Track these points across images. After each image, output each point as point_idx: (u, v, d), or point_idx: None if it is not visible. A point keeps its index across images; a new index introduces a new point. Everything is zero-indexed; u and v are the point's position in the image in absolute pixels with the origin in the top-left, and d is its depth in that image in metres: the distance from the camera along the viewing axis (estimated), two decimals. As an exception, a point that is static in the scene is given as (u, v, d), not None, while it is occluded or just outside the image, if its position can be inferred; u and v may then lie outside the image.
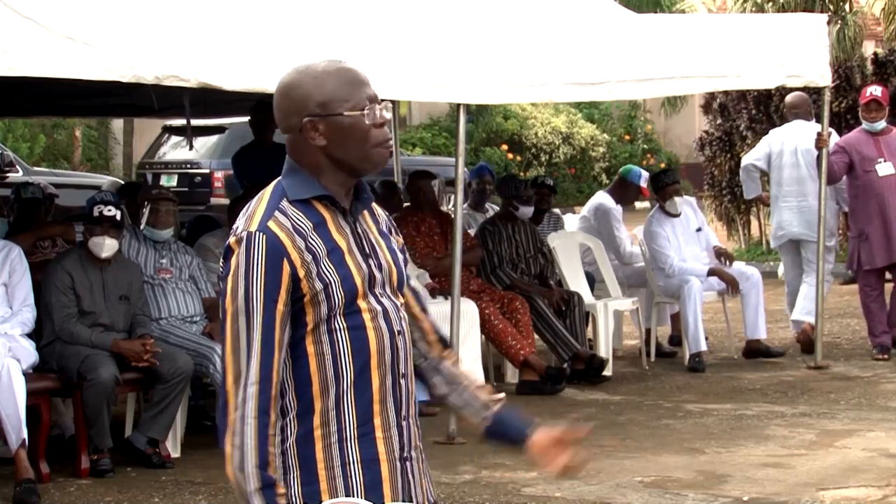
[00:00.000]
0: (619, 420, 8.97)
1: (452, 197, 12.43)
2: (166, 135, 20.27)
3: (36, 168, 20.04)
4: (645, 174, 12.33)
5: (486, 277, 10.43)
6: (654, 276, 11.16)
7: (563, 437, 3.23)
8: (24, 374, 7.42)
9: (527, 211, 10.71)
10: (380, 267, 3.11)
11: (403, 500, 3.09)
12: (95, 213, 7.88)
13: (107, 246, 7.90)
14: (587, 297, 10.75)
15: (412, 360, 3.17)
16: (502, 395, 3.39)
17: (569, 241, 11.27)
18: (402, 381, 3.11)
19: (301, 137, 3.07)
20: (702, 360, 10.69)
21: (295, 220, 3.03)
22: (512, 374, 10.23)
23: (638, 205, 25.79)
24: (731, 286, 10.98)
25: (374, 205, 3.24)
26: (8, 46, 6.71)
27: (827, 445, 8.04)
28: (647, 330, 11.15)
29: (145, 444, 7.87)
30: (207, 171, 19.33)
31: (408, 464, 3.12)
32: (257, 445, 2.95)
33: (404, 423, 3.11)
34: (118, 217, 7.93)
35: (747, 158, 11.91)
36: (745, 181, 11.96)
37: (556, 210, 12.61)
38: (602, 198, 11.99)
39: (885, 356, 10.74)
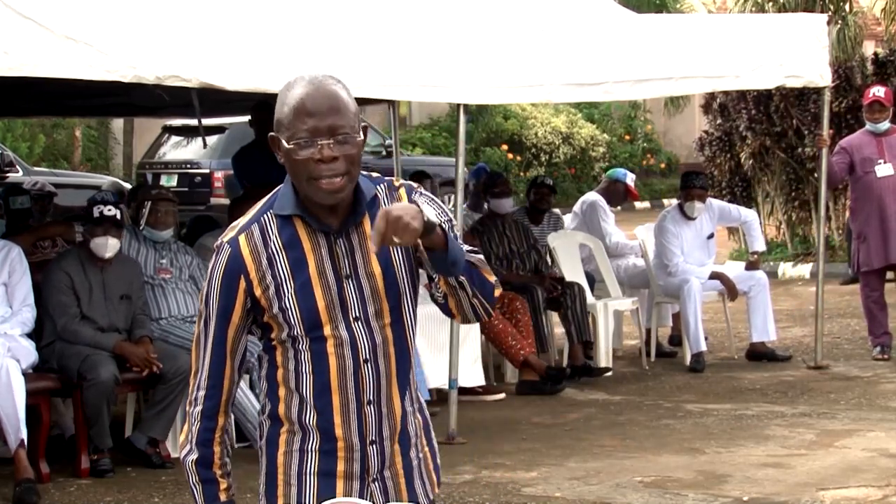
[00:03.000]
0: (619, 420, 8.97)
1: (451, 197, 12.44)
2: (166, 135, 20.28)
3: (36, 168, 20.04)
4: (631, 174, 12.34)
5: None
6: (654, 276, 11.16)
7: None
8: (24, 374, 7.42)
9: (500, 204, 10.67)
10: (360, 289, 3.07)
11: None
12: (96, 214, 7.88)
13: (109, 246, 7.90)
14: (587, 296, 10.74)
15: (390, 386, 3.11)
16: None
17: (569, 241, 11.27)
18: (368, 409, 3.09)
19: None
20: (702, 360, 10.69)
21: (269, 235, 3.06)
22: (512, 374, 10.23)
23: (638, 205, 25.92)
24: (730, 292, 10.96)
25: (401, 192, 3.14)
26: (8, 47, 6.71)
27: (827, 445, 8.04)
28: (647, 330, 11.15)
29: (145, 444, 7.87)
30: (207, 171, 19.34)
31: (376, 484, 3.14)
32: (198, 444, 3.13)
33: (371, 448, 3.12)
34: (118, 217, 7.94)
35: None
36: None
37: (556, 210, 12.61)
38: (591, 196, 12.04)
39: (886, 356, 10.74)
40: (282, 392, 3.11)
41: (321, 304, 3.04)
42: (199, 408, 3.13)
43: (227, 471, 3.17)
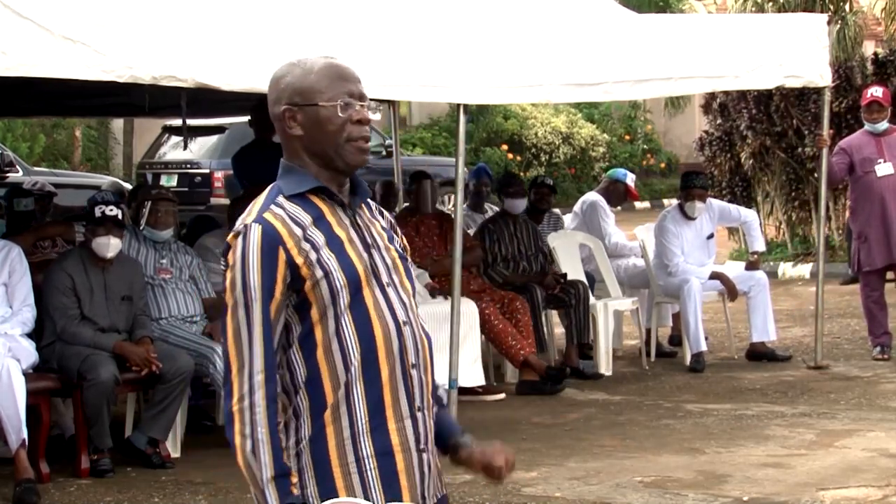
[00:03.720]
0: (619, 420, 8.97)
1: (451, 197, 12.44)
2: (166, 135, 20.27)
3: (36, 168, 20.04)
4: (631, 174, 12.34)
5: (483, 275, 10.42)
6: (654, 276, 11.15)
7: (493, 455, 3.24)
8: (24, 374, 7.42)
9: (514, 204, 10.65)
10: (383, 258, 3.13)
11: (422, 492, 3.09)
12: (97, 214, 7.88)
13: (112, 246, 7.90)
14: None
15: (425, 352, 3.15)
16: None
17: (569, 241, 11.27)
18: (413, 372, 3.10)
19: (282, 127, 3.14)
20: (702, 360, 10.69)
21: (292, 213, 3.07)
22: (512, 374, 10.23)
23: (638, 205, 25.92)
24: (730, 292, 10.96)
25: (376, 205, 3.27)
26: (7, 47, 6.72)
27: (827, 445, 8.04)
28: (647, 330, 11.15)
29: (145, 444, 7.87)
30: (207, 171, 19.33)
31: (424, 455, 3.11)
32: (269, 433, 2.98)
33: (419, 415, 3.11)
34: (120, 216, 7.94)
35: None
36: None
37: (556, 210, 12.61)
38: (591, 196, 12.04)
39: (885, 356, 10.74)
40: (325, 375, 3.02)
41: (359, 267, 3.07)
42: (259, 393, 2.97)
43: (292, 463, 3.02)
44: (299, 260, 3.02)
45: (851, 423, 8.60)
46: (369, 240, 3.13)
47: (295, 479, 3.00)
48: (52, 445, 7.92)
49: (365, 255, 3.09)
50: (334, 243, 3.06)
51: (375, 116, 3.14)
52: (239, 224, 3.06)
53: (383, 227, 3.20)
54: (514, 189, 10.74)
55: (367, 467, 3.02)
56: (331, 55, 3.18)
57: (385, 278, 3.11)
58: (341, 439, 3.02)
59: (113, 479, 7.60)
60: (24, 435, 7.27)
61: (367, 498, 3.01)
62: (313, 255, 3.03)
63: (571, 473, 7.52)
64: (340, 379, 3.02)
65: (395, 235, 3.24)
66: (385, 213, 3.28)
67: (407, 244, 3.31)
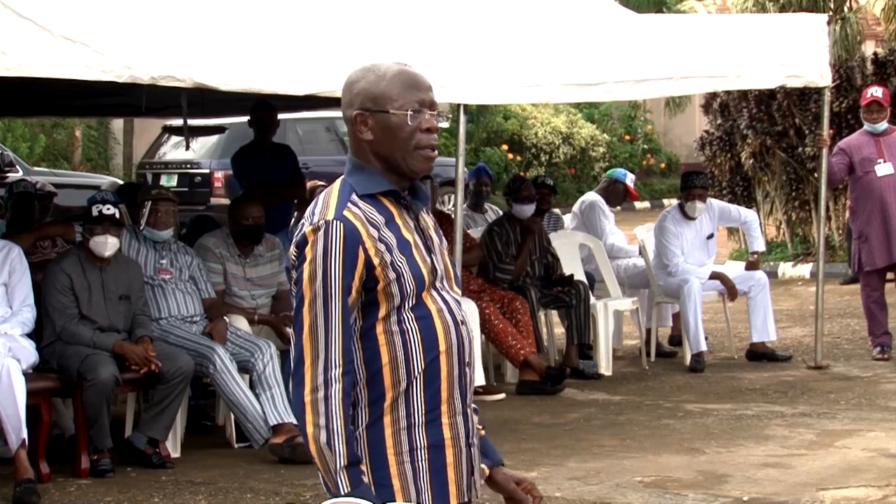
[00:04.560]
0: (619, 420, 8.97)
1: (451, 197, 12.44)
2: (166, 135, 20.26)
3: (36, 168, 20.03)
4: (630, 174, 12.34)
5: (488, 277, 10.40)
6: (654, 276, 11.15)
7: (518, 483, 3.38)
8: (24, 374, 7.41)
9: (522, 210, 10.59)
10: (439, 262, 3.25)
11: (467, 485, 3.23)
12: (95, 213, 7.87)
13: (109, 245, 7.90)
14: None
15: (474, 350, 3.29)
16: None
17: (569, 241, 11.27)
18: (467, 370, 3.24)
19: (353, 130, 3.21)
20: (702, 360, 10.69)
21: (368, 213, 3.15)
22: (512, 374, 10.22)
23: (638, 205, 25.91)
24: (730, 292, 10.95)
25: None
26: (7, 47, 6.73)
27: (827, 445, 8.04)
28: (647, 330, 11.15)
29: (145, 444, 7.87)
30: (207, 171, 19.33)
31: (472, 450, 3.25)
32: (344, 424, 3.08)
33: (469, 411, 3.25)
34: (117, 216, 7.94)
35: None
36: None
37: (556, 210, 12.61)
38: (591, 196, 12.04)
39: (885, 356, 10.74)
40: (386, 371, 3.14)
41: (424, 271, 3.18)
42: (337, 386, 3.06)
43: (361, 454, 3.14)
44: (376, 261, 3.12)
45: (851, 423, 8.61)
46: (430, 243, 3.24)
47: (364, 468, 3.11)
48: (52, 445, 7.92)
49: (428, 258, 3.21)
50: (404, 246, 3.16)
51: (444, 124, 3.21)
52: (317, 217, 3.13)
53: (436, 230, 3.31)
54: (524, 194, 10.62)
55: (420, 458, 3.15)
56: (404, 62, 3.26)
57: (441, 282, 3.24)
58: (398, 429, 3.15)
59: (113, 479, 7.60)
60: (24, 435, 7.27)
61: (416, 488, 3.14)
62: (388, 257, 3.13)
63: (571, 473, 7.52)
64: (402, 376, 3.15)
65: (442, 237, 3.35)
66: (429, 213, 3.37)
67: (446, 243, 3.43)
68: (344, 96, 3.25)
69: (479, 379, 9.64)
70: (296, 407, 3.11)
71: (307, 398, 3.08)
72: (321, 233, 3.11)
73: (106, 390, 7.59)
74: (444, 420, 3.18)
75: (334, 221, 3.11)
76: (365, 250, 3.11)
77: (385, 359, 3.14)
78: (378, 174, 3.19)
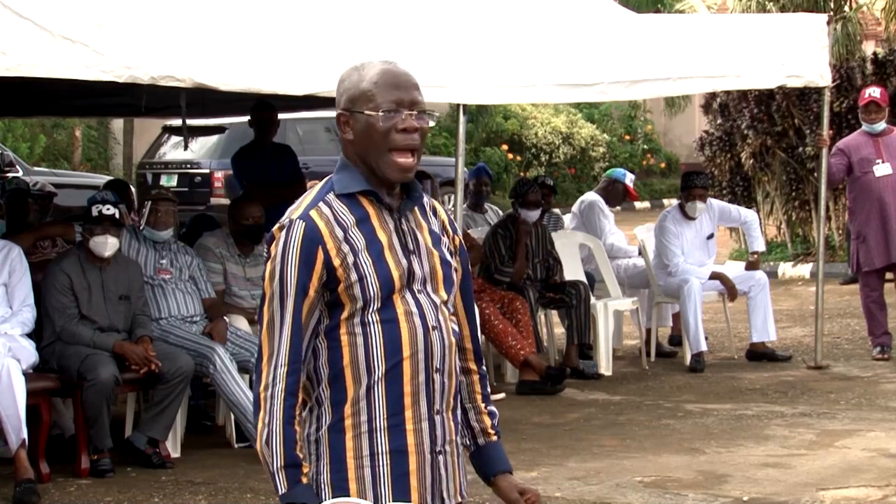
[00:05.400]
0: (619, 420, 8.97)
1: (451, 197, 12.44)
2: (166, 135, 20.26)
3: (36, 168, 20.03)
4: (630, 174, 12.33)
5: (488, 278, 10.39)
6: (654, 276, 11.15)
7: (522, 493, 3.38)
8: (24, 374, 7.41)
9: (529, 214, 10.54)
10: (422, 264, 3.19)
11: (432, 493, 3.19)
12: (94, 213, 7.88)
13: (109, 245, 7.90)
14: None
15: (452, 356, 3.21)
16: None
17: (569, 241, 11.27)
18: (437, 376, 3.18)
19: (339, 128, 3.21)
20: (702, 360, 10.69)
21: (338, 212, 3.14)
22: (512, 374, 10.23)
23: (638, 205, 25.90)
24: (730, 292, 10.95)
25: (437, 204, 3.33)
26: (7, 47, 6.72)
27: (827, 445, 8.04)
28: (647, 330, 11.15)
29: (145, 444, 7.87)
30: (207, 171, 19.33)
31: (440, 457, 3.20)
32: (283, 425, 3.07)
33: (437, 417, 3.19)
34: (117, 216, 7.94)
35: None
36: None
37: (556, 210, 12.61)
38: (590, 196, 12.04)
39: (885, 356, 10.74)
40: (348, 372, 3.12)
41: (395, 274, 3.13)
42: (281, 385, 3.08)
43: (306, 453, 3.12)
44: (336, 262, 3.10)
45: (851, 423, 8.61)
46: (411, 245, 3.18)
47: (306, 469, 3.09)
48: (52, 445, 7.92)
49: (404, 261, 3.15)
50: (374, 248, 3.13)
51: (430, 123, 3.19)
52: (286, 217, 3.14)
53: (431, 231, 3.25)
54: (531, 199, 10.53)
55: (381, 463, 3.12)
56: (391, 60, 3.22)
57: (419, 284, 3.18)
58: (359, 433, 3.12)
59: (113, 479, 7.60)
60: (24, 435, 7.27)
61: (375, 493, 3.10)
62: (350, 258, 3.10)
63: (571, 473, 7.52)
64: (363, 378, 3.11)
65: (444, 237, 3.29)
66: (440, 211, 3.32)
67: (461, 241, 3.36)
68: (336, 95, 3.25)
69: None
70: (253, 402, 3.13)
71: (261, 394, 3.10)
72: (284, 231, 3.11)
73: (106, 390, 7.59)
74: (409, 426, 3.14)
75: (297, 221, 3.11)
76: (325, 251, 3.09)
77: (346, 360, 3.12)
78: (359, 174, 3.17)
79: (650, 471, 7.54)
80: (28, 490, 7.15)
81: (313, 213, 3.11)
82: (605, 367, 10.60)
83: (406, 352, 3.13)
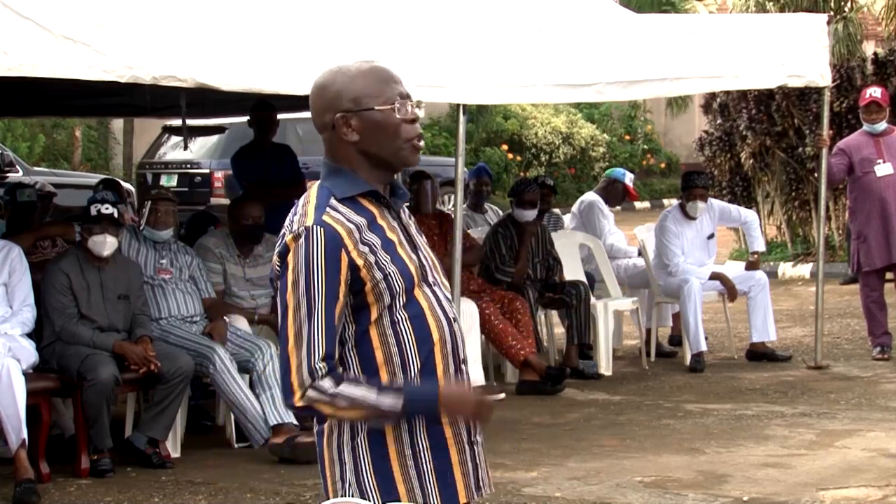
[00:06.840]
0: (619, 420, 8.97)
1: (451, 197, 12.45)
2: (166, 135, 20.27)
3: (36, 168, 20.03)
4: (630, 174, 12.34)
5: (489, 277, 10.39)
6: (654, 276, 11.15)
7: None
8: (24, 374, 7.41)
9: (523, 214, 10.52)
10: (426, 258, 3.23)
11: (474, 483, 3.22)
12: (93, 212, 7.88)
13: (108, 244, 7.90)
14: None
15: (467, 347, 3.28)
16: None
17: (569, 241, 11.27)
18: (464, 367, 3.24)
19: (335, 135, 3.17)
20: (702, 360, 10.69)
21: (347, 215, 3.12)
22: (512, 374, 10.23)
23: (638, 205, 25.90)
24: (730, 292, 10.95)
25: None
26: (8, 47, 6.72)
27: (827, 445, 8.04)
28: (647, 330, 11.15)
29: (145, 444, 7.87)
30: (207, 171, 19.34)
31: (476, 447, 3.24)
32: (343, 386, 3.05)
33: None
34: (116, 215, 7.94)
35: None
36: None
37: (556, 210, 12.60)
38: (590, 196, 12.04)
39: (885, 356, 10.74)
40: (383, 371, 3.12)
41: (412, 268, 3.15)
42: (325, 382, 3.05)
43: (348, 455, 3.12)
44: (360, 262, 3.09)
45: (851, 423, 8.61)
46: (414, 241, 3.22)
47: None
48: (52, 445, 7.92)
49: (414, 255, 3.18)
50: (388, 246, 3.14)
51: (419, 112, 3.21)
52: (295, 225, 3.10)
53: (416, 227, 3.30)
54: (527, 198, 10.51)
55: (424, 460, 3.14)
56: (367, 59, 3.25)
57: (431, 277, 3.21)
58: (399, 433, 3.13)
59: (113, 479, 7.60)
60: (24, 435, 7.27)
61: (423, 491, 3.13)
62: (371, 258, 3.10)
63: (571, 473, 7.52)
64: (399, 376, 3.13)
65: (421, 234, 3.33)
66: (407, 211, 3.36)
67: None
68: (315, 103, 3.20)
69: (480, 379, 9.65)
70: (296, 414, 3.13)
71: (298, 403, 3.07)
72: (302, 240, 3.07)
73: (106, 390, 7.59)
74: (445, 419, 3.16)
75: (314, 227, 3.08)
76: (347, 253, 3.08)
77: (380, 360, 3.11)
78: (354, 176, 3.16)
79: (650, 471, 7.54)
80: (28, 490, 7.15)
81: (327, 219, 3.09)
82: (605, 367, 10.60)
83: (437, 345, 3.16)
